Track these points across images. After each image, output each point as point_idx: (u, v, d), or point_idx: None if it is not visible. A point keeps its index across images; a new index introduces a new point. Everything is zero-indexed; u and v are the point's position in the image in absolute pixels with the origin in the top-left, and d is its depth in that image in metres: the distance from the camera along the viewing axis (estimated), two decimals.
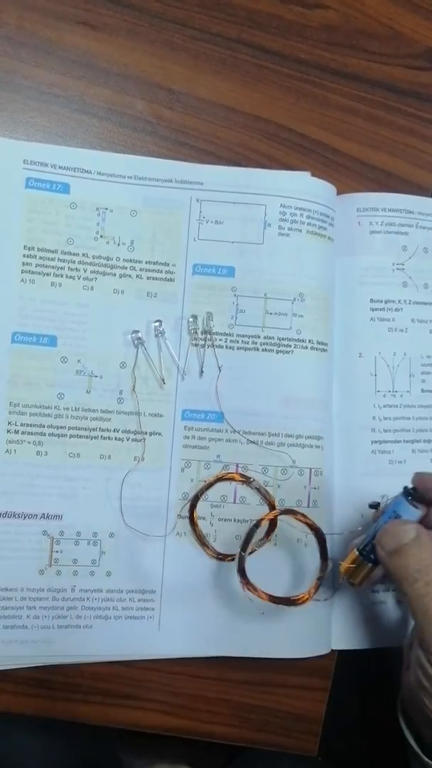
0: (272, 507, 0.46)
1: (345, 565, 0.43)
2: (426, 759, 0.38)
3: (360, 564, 0.42)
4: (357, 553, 0.42)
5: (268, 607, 0.44)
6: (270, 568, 0.46)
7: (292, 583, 0.46)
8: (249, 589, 0.43)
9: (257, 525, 0.44)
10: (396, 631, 0.48)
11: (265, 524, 0.45)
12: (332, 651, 0.47)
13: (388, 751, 0.46)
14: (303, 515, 0.45)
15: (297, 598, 0.44)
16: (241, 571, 0.43)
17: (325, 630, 0.47)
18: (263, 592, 0.43)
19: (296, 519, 0.45)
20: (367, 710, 0.47)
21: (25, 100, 0.48)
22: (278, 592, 0.44)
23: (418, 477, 0.42)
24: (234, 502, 0.46)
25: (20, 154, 0.46)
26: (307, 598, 0.44)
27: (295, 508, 0.45)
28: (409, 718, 0.41)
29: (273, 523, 0.46)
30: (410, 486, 0.41)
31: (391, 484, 0.48)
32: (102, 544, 0.45)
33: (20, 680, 0.45)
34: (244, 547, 0.44)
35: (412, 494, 0.41)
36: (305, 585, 0.46)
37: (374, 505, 0.44)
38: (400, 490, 0.42)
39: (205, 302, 0.47)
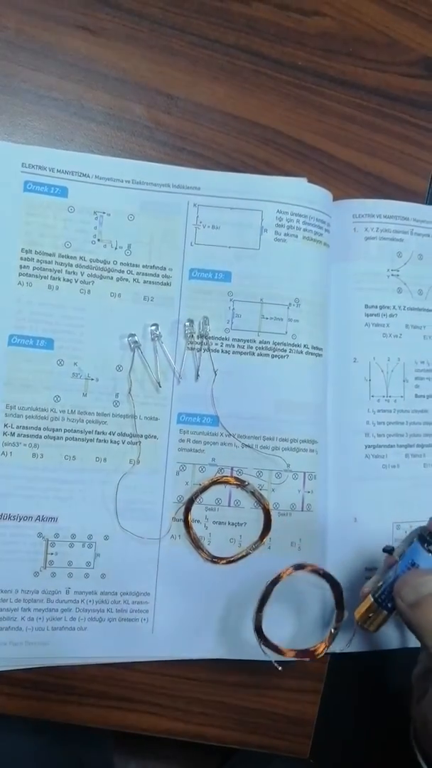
0: (266, 510, 0.46)
1: (360, 612, 0.42)
2: None
3: (375, 611, 0.41)
4: (372, 599, 0.41)
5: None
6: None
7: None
8: (269, 648, 0.43)
9: (275, 582, 0.43)
10: (387, 636, 0.48)
11: (284, 579, 0.44)
12: (325, 654, 0.47)
13: (380, 753, 0.46)
14: (321, 570, 0.45)
15: (314, 649, 0.44)
16: (258, 631, 0.43)
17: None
18: (286, 649, 0.43)
19: (313, 573, 0.45)
20: (360, 713, 0.47)
21: (23, 104, 0.48)
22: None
23: None
24: (229, 506, 0.47)
25: (18, 158, 0.46)
26: (324, 648, 0.44)
27: (312, 564, 0.45)
28: (421, 748, 0.41)
29: (268, 526, 0.46)
30: (427, 530, 0.40)
31: (384, 489, 0.49)
32: (97, 546, 0.45)
33: (15, 682, 0.45)
34: (260, 607, 0.43)
35: (429, 540, 0.39)
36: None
37: (388, 549, 0.42)
38: (415, 532, 0.40)
39: (202, 306, 0.48)
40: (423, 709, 0.40)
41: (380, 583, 0.41)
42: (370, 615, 0.41)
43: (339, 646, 0.46)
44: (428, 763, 0.40)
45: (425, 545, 0.39)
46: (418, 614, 0.37)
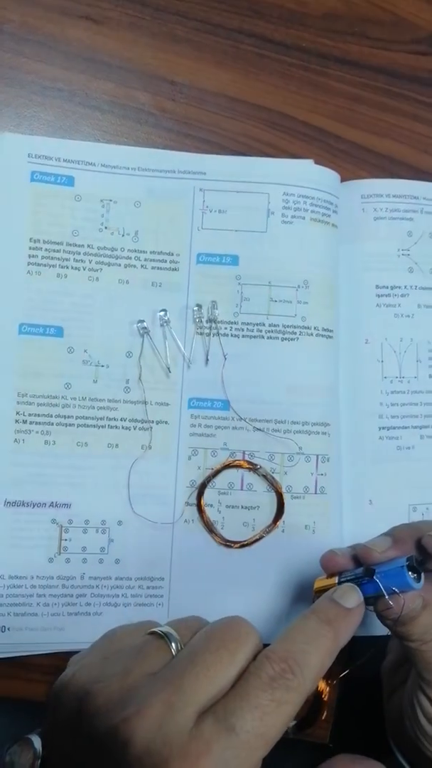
0: (279, 494, 0.46)
1: (321, 586, 0.38)
2: None
3: None
4: (337, 581, 0.37)
5: None
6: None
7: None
8: None
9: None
10: None
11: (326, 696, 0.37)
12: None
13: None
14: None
15: None
16: None
17: None
18: None
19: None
20: (377, 697, 0.47)
21: (29, 95, 0.49)
22: None
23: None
24: (241, 489, 0.46)
25: (25, 148, 0.47)
26: None
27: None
28: (397, 745, 0.40)
29: (281, 509, 0.46)
30: (414, 557, 0.35)
31: (399, 471, 0.48)
32: (110, 531, 0.45)
33: (32, 667, 0.45)
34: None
35: (414, 567, 0.35)
36: None
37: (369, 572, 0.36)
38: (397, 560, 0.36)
39: (210, 291, 0.48)
40: (395, 705, 0.39)
41: (350, 574, 0.37)
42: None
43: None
44: (406, 758, 0.39)
45: (411, 573, 0.34)
46: (401, 630, 0.35)
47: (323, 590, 0.35)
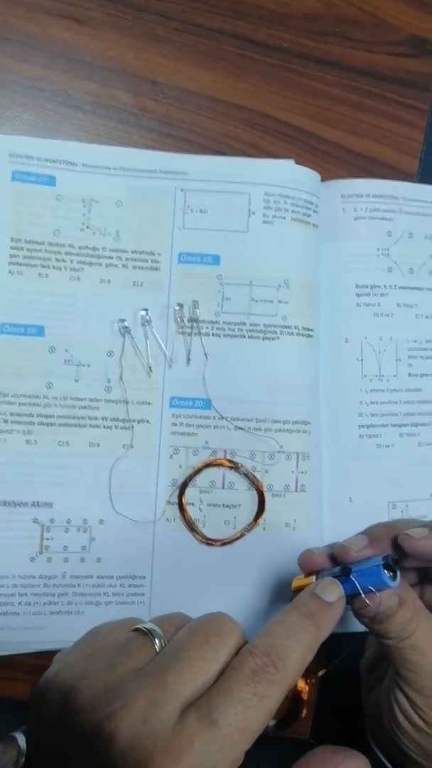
0: (260, 492, 0.46)
1: (299, 585, 0.38)
2: None
3: None
4: (314, 578, 0.37)
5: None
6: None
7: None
8: None
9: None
10: None
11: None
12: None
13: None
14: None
15: None
16: None
17: None
18: None
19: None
20: (358, 694, 0.47)
21: (10, 95, 0.49)
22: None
23: (405, 538, 0.37)
24: (222, 488, 0.47)
25: (6, 148, 0.47)
26: None
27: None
28: (376, 742, 0.40)
29: (262, 507, 0.46)
30: (390, 556, 0.35)
31: (379, 469, 0.49)
32: (92, 530, 0.45)
33: (14, 666, 0.45)
34: None
35: (390, 565, 0.35)
36: None
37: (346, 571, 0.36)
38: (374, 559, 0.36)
39: (191, 290, 0.48)
40: (373, 701, 0.40)
41: (327, 573, 0.37)
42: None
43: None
44: (385, 754, 0.39)
45: (387, 572, 0.34)
46: (378, 628, 0.35)
47: (301, 589, 0.35)
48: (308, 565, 0.38)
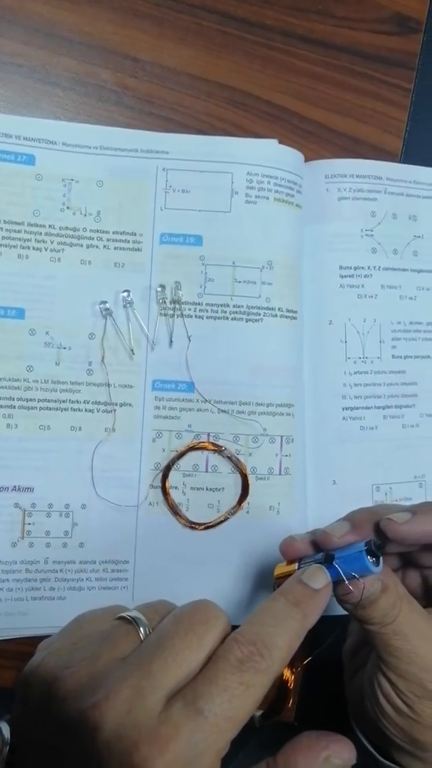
0: (244, 475, 0.46)
1: (281, 573, 0.37)
2: (386, 762, 0.38)
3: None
4: (297, 567, 0.37)
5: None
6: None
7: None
8: None
9: None
10: None
11: None
12: None
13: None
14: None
15: None
16: None
17: None
18: None
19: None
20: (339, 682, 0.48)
21: None
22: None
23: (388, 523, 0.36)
24: (206, 471, 0.46)
25: None
26: None
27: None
28: (360, 727, 0.40)
29: (246, 490, 0.46)
30: (373, 541, 0.35)
31: (362, 451, 0.48)
32: (74, 515, 0.45)
33: None
34: None
35: (373, 551, 0.34)
36: None
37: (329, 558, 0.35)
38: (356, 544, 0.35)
39: (174, 271, 0.47)
40: (356, 686, 0.40)
41: (309, 560, 0.37)
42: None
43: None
44: (368, 738, 0.39)
45: (369, 558, 0.34)
46: (361, 613, 0.35)
47: (284, 577, 0.35)
48: (290, 552, 0.38)
